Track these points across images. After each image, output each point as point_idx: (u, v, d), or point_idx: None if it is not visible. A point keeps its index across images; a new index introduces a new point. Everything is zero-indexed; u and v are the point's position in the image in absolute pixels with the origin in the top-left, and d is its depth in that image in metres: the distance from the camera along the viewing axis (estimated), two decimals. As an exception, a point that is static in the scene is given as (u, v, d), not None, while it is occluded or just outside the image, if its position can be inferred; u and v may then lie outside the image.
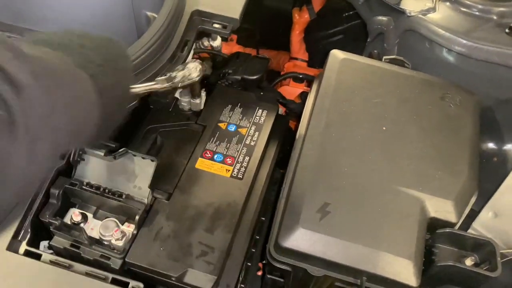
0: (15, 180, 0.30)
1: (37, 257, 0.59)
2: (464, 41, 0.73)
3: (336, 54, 0.74)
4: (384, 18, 0.85)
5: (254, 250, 0.75)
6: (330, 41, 1.34)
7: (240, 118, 0.77)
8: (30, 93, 0.30)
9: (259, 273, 0.85)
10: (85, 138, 0.42)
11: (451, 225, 0.60)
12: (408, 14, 0.78)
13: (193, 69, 0.71)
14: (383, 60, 0.76)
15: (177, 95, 0.82)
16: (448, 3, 0.78)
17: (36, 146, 0.30)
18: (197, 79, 0.70)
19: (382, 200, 0.60)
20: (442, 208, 0.60)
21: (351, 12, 1.25)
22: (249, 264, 0.76)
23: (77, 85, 0.38)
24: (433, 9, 0.77)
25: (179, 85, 0.68)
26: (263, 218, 0.78)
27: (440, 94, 0.70)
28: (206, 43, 0.95)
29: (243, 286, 0.73)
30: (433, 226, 0.60)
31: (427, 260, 0.60)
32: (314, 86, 0.77)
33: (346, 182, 0.61)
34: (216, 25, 0.80)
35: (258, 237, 0.77)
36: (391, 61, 0.75)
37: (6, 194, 0.30)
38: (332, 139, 0.64)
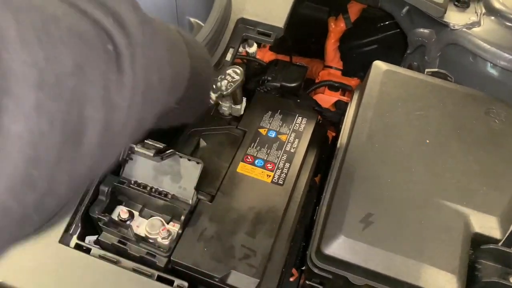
0: (116, 123, 0.28)
1: (87, 251, 0.61)
2: (510, 56, 0.73)
3: (379, 65, 0.75)
4: (426, 31, 0.85)
5: (288, 256, 0.76)
6: (365, 51, 1.34)
7: (280, 124, 0.79)
8: (138, 40, 0.29)
9: (292, 279, 0.86)
10: (177, 97, 0.40)
11: (495, 241, 0.60)
12: (452, 28, 0.78)
13: (234, 73, 0.73)
14: (425, 72, 0.76)
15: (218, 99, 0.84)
16: (493, 17, 0.78)
17: (138, 92, 0.29)
18: (240, 82, 0.72)
19: (425, 213, 0.60)
20: (486, 224, 0.60)
21: (386, 22, 1.26)
22: (283, 270, 0.77)
23: (172, 35, 0.38)
24: (477, 23, 0.77)
25: (225, 93, 0.70)
26: (298, 226, 0.79)
27: (484, 109, 0.70)
28: (241, 49, 0.97)
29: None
30: (477, 241, 0.60)
31: (470, 276, 0.59)
32: (355, 96, 0.78)
33: (389, 193, 0.61)
34: (260, 33, 0.82)
35: (292, 243, 0.78)
36: (434, 74, 0.75)
37: (108, 138, 0.28)
38: (375, 150, 0.65)
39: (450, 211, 0.60)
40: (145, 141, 0.66)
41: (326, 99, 1.14)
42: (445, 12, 0.78)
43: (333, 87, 1.13)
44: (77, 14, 0.26)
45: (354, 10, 1.23)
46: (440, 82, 0.73)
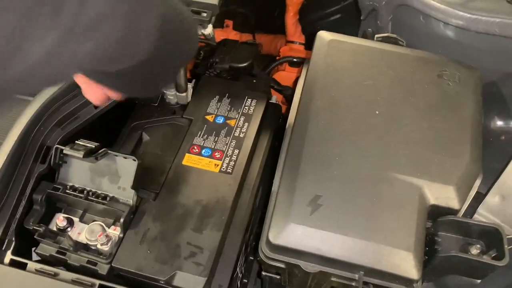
0: (30, 57, 0.24)
1: (23, 266, 0.57)
2: (462, 13, 0.68)
3: (323, 36, 0.70)
4: (377, -6, 0.80)
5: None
6: (327, 21, 1.29)
7: (229, 109, 0.74)
8: None
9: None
10: (138, 54, 0.34)
11: (454, 212, 0.57)
12: (401, -12, 0.73)
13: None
14: (375, 38, 0.71)
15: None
16: (443, -27, 0.73)
17: (78, 33, 0.25)
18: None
19: (376, 189, 0.56)
20: (443, 195, 0.56)
21: (348, -11, 1.20)
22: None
23: None
24: (427, -19, 0.72)
25: None
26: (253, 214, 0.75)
27: (437, 72, 0.66)
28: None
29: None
30: (435, 214, 0.57)
31: (430, 250, 0.56)
32: (304, 71, 0.73)
33: (337, 172, 0.58)
34: (195, 12, 0.76)
35: (248, 233, 0.74)
36: (384, 40, 0.71)
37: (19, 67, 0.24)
38: (321, 127, 0.61)
39: (404, 184, 0.57)
40: (76, 141, 0.62)
41: (288, 76, 1.09)
42: (392, -28, 0.73)
43: (293, 63, 1.08)
44: None
45: (310, -20, 1.17)
46: (389, 48, 0.69)
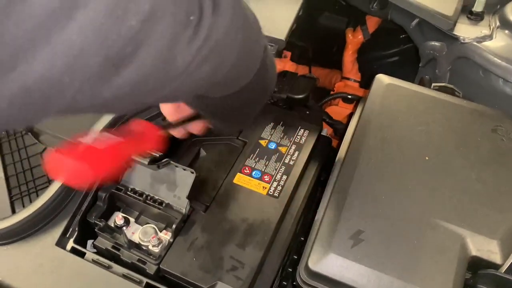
0: (168, 80, 0.29)
1: (82, 255, 0.63)
2: (523, 72, 0.69)
3: (382, 79, 0.73)
4: (437, 44, 0.82)
5: (291, 270, 0.75)
6: (385, 63, 1.32)
7: (281, 136, 0.78)
8: (223, 16, 0.30)
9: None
10: (244, 79, 0.38)
11: (496, 266, 0.57)
12: (462, 41, 0.75)
13: None
14: (432, 87, 0.74)
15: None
16: (506, 31, 0.75)
17: (204, 62, 0.29)
18: None
19: (419, 232, 0.58)
20: (485, 247, 0.57)
21: (407, 35, 1.23)
22: (284, 283, 0.76)
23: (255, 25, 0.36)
24: (489, 37, 0.74)
25: None
26: (303, 239, 0.78)
27: (491, 126, 0.67)
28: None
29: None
30: (475, 265, 0.57)
31: (467, 300, 0.57)
32: (359, 109, 0.77)
33: (382, 210, 0.60)
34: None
35: (296, 257, 0.77)
36: (440, 89, 0.73)
37: (165, 91, 0.29)
38: (371, 165, 0.64)
39: (447, 231, 0.58)
40: (143, 149, 0.68)
41: (340, 111, 1.12)
42: (454, 25, 0.75)
43: (347, 99, 1.11)
44: None
45: (372, 22, 1.21)
46: (445, 97, 0.71)
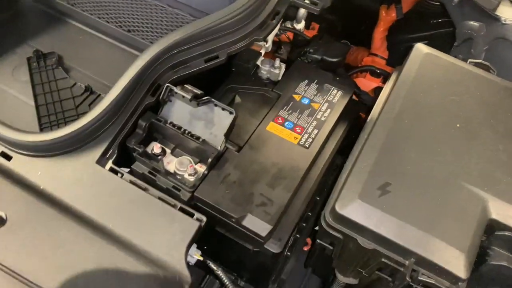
0: None
1: (120, 175, 0.66)
2: (559, 57, 0.72)
3: (421, 48, 0.75)
4: (476, 24, 0.84)
5: (304, 225, 0.79)
6: (411, 45, 1.33)
7: (315, 93, 0.81)
8: None
9: (305, 248, 0.88)
10: None
11: (511, 230, 0.60)
12: (503, 22, 0.77)
13: None
14: (468, 62, 0.76)
15: (258, 62, 0.87)
16: (548, 17, 0.77)
17: None
18: None
19: (443, 191, 0.61)
20: (505, 212, 0.60)
21: (439, 20, 1.24)
22: (297, 236, 0.80)
23: None
24: (531, 20, 0.76)
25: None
26: (318, 198, 0.81)
27: (523, 104, 0.69)
28: (289, 25, 1.00)
29: (289, 253, 0.77)
30: (492, 228, 0.61)
31: (480, 260, 0.60)
32: (393, 77, 0.79)
33: (410, 167, 0.63)
34: (307, 1, 0.84)
35: (310, 214, 0.80)
36: (476, 65, 0.75)
37: None
38: (404, 125, 0.66)
39: (470, 193, 0.61)
40: (185, 85, 0.70)
41: (367, 83, 1.15)
42: (498, 5, 0.77)
43: (375, 73, 1.13)
44: None
45: (407, 1, 1.22)
46: (481, 72, 0.73)
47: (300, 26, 1.03)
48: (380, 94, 0.77)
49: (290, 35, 1.05)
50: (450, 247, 0.57)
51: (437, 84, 0.71)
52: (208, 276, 0.72)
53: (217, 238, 0.71)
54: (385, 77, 1.12)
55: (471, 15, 0.85)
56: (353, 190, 0.61)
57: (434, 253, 0.57)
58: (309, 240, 0.87)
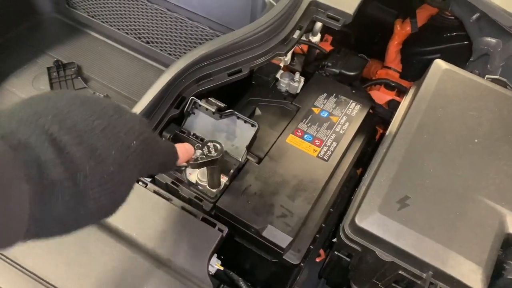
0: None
1: (144, 185, 0.68)
2: None
3: (440, 64, 0.77)
4: (493, 40, 0.85)
5: (318, 236, 0.80)
6: (427, 58, 1.34)
7: (334, 107, 0.83)
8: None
9: (318, 259, 0.89)
10: None
11: (528, 245, 0.61)
12: (521, 39, 0.78)
13: (212, 149, 0.62)
14: (485, 78, 0.77)
15: (278, 75, 0.89)
16: None
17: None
18: (212, 160, 0.60)
19: (461, 205, 0.62)
20: (522, 227, 0.61)
21: (453, 33, 1.25)
22: (311, 247, 0.81)
23: None
24: (548, 38, 0.77)
25: (191, 163, 0.60)
26: (331, 210, 0.82)
27: (540, 120, 0.70)
28: (304, 37, 1.02)
29: (302, 265, 0.78)
30: (509, 242, 0.61)
31: (496, 273, 0.61)
32: (411, 91, 0.80)
33: (429, 181, 0.64)
34: (329, 17, 0.86)
35: (323, 225, 0.81)
36: (494, 81, 0.76)
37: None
38: (423, 140, 0.68)
39: (488, 208, 0.62)
40: (209, 98, 0.72)
41: (381, 96, 1.16)
42: (515, 22, 0.78)
43: (389, 86, 1.15)
44: None
45: (422, 16, 1.23)
46: (498, 89, 0.74)
47: (316, 38, 1.05)
48: (398, 108, 0.78)
49: (304, 47, 1.07)
50: (467, 260, 0.58)
51: (456, 99, 0.72)
52: (222, 285, 0.73)
53: (235, 248, 0.72)
54: (400, 90, 1.13)
55: (489, 31, 0.86)
56: (372, 203, 0.63)
57: (452, 266, 0.58)
58: (321, 251, 0.88)
